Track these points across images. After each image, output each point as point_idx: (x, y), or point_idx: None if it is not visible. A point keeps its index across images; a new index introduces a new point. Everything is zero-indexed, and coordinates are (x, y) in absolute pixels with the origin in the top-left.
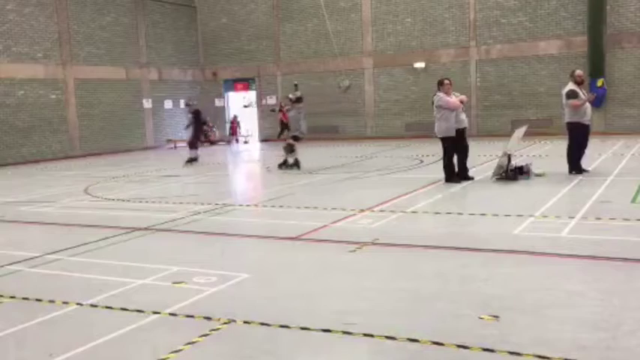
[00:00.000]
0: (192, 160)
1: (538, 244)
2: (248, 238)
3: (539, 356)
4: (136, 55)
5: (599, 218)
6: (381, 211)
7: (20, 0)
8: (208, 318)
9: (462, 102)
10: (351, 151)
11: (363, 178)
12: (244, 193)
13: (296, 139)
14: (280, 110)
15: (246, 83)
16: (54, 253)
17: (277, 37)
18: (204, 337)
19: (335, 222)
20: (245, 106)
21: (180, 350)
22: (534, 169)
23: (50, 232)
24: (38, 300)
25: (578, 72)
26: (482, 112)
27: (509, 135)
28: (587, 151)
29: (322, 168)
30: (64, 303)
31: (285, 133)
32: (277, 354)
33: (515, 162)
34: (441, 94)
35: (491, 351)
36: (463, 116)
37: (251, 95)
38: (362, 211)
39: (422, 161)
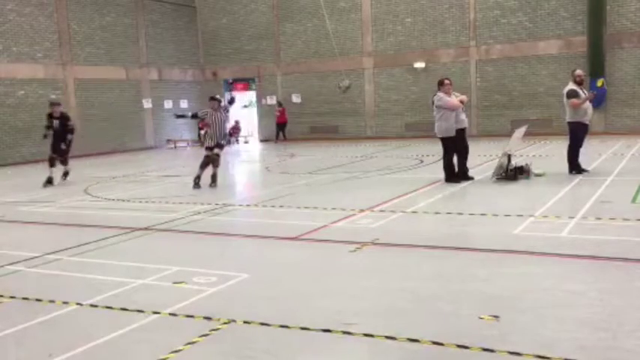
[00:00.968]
0: (50, 181)
1: (538, 244)
2: (248, 238)
3: (539, 356)
4: (136, 55)
5: (599, 218)
6: (381, 211)
7: (20, 0)
8: (208, 318)
9: (462, 102)
10: (351, 151)
11: (363, 178)
12: (244, 193)
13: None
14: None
15: (246, 83)
16: (54, 253)
17: (277, 37)
18: (204, 337)
19: (335, 222)
20: (245, 106)
21: (180, 350)
22: (534, 169)
23: (50, 232)
24: (38, 300)
25: (578, 72)
26: (482, 112)
27: (509, 135)
28: (586, 151)
29: (322, 168)
30: (64, 303)
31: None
32: (277, 354)
33: (515, 162)
34: (441, 94)
35: (491, 351)
36: (463, 116)
37: (251, 95)
38: (362, 211)
39: (422, 161)
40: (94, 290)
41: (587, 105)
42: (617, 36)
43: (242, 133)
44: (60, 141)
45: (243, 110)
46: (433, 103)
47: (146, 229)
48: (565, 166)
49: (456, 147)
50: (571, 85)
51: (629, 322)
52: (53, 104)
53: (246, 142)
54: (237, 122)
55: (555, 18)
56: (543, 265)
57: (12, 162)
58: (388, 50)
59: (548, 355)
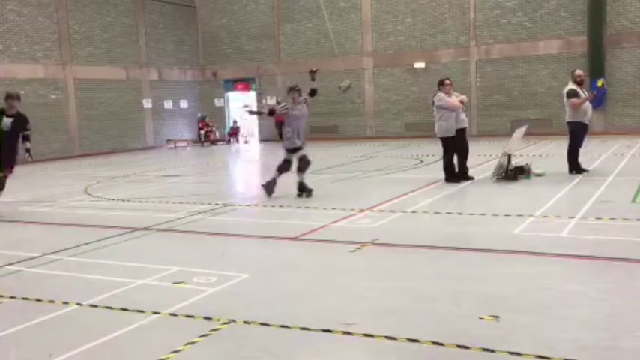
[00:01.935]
0: None
1: (538, 244)
2: (248, 238)
3: (539, 356)
4: (136, 55)
5: (599, 218)
6: (381, 211)
7: (20, 0)
8: (208, 318)
9: (462, 102)
10: (351, 151)
11: (363, 178)
12: (244, 192)
13: None
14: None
15: (246, 83)
16: (54, 253)
17: (277, 37)
18: (204, 337)
19: (335, 222)
20: (245, 106)
21: (180, 350)
22: (534, 169)
23: (50, 232)
24: (38, 300)
25: (578, 72)
26: (482, 112)
27: (509, 135)
28: (586, 151)
29: (322, 168)
30: (64, 303)
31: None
32: (277, 354)
33: (515, 162)
34: (441, 94)
35: (491, 351)
36: (463, 116)
37: (250, 96)
38: (362, 211)
39: (422, 161)
40: (94, 290)
41: (587, 105)
42: (617, 36)
43: (242, 133)
44: (11, 150)
45: (243, 111)
46: (433, 103)
47: (146, 229)
48: (565, 166)
49: (456, 147)
50: (571, 85)
51: (629, 322)
52: (10, 97)
53: (246, 142)
54: (235, 122)
55: (555, 18)
56: (543, 265)
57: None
58: (388, 50)
59: (548, 355)
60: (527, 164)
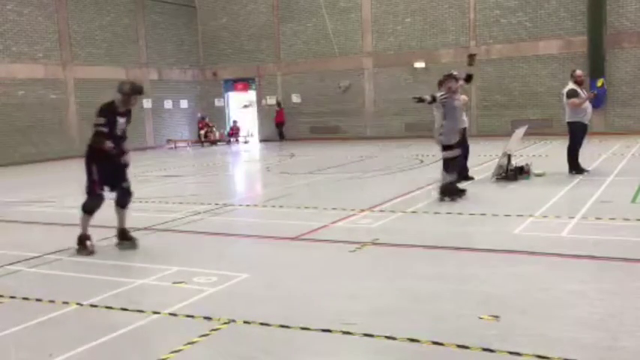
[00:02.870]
0: None
1: (538, 244)
2: (248, 238)
3: (539, 356)
4: (136, 55)
5: (599, 218)
6: (381, 211)
7: (20, 0)
8: (208, 318)
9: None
10: (351, 151)
11: (363, 178)
12: (244, 193)
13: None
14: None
15: (246, 83)
16: (54, 253)
17: (277, 37)
18: (204, 337)
19: (335, 222)
20: (245, 106)
21: (180, 350)
22: (534, 169)
23: (50, 232)
24: (38, 300)
25: (578, 72)
26: (482, 112)
27: (509, 135)
28: (586, 151)
29: (322, 168)
30: (64, 303)
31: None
32: (277, 354)
33: (515, 162)
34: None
35: (491, 351)
36: (463, 116)
37: (251, 95)
38: (362, 211)
39: (422, 161)
40: (94, 290)
41: (587, 105)
42: (617, 36)
43: (242, 133)
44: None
45: (243, 110)
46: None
47: (146, 229)
48: (565, 166)
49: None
50: (571, 85)
51: (629, 322)
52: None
53: (246, 142)
54: (235, 122)
55: (555, 18)
56: (543, 265)
57: (12, 162)
58: (388, 50)
59: (548, 355)
60: (527, 164)
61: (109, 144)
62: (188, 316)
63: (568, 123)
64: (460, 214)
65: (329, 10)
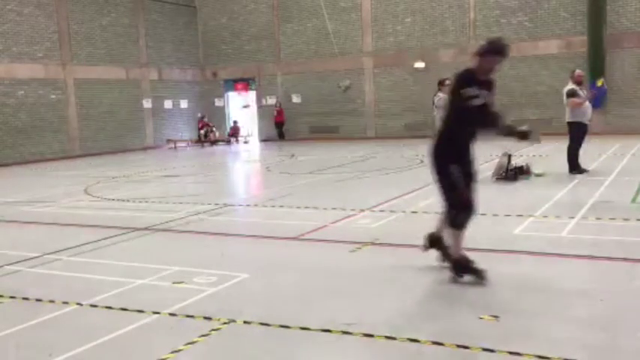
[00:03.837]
0: None
1: (538, 244)
2: (248, 238)
3: (539, 356)
4: (136, 55)
5: (599, 218)
6: (381, 211)
7: (20, 0)
8: (208, 318)
9: None
10: (351, 151)
11: (363, 178)
12: (244, 193)
13: None
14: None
15: (246, 83)
16: (54, 253)
17: (277, 37)
18: (204, 337)
19: (335, 222)
20: (244, 107)
21: (180, 350)
22: (534, 169)
23: (50, 232)
24: (38, 300)
25: (578, 72)
26: None
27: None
28: (586, 151)
29: (322, 168)
30: (64, 303)
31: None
32: (277, 354)
33: (515, 162)
34: (441, 95)
35: (491, 351)
36: None
37: (250, 95)
38: (362, 211)
39: (422, 161)
40: (94, 290)
41: (587, 105)
42: (617, 36)
43: (242, 133)
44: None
45: (243, 110)
46: (434, 103)
47: (146, 229)
48: (565, 166)
49: None
50: (571, 85)
51: (629, 322)
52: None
53: (245, 142)
54: (235, 122)
55: (555, 18)
56: (543, 264)
57: (12, 162)
58: (388, 50)
59: (548, 355)
60: (527, 164)
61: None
62: (188, 316)
63: (568, 123)
64: None
65: (329, 10)
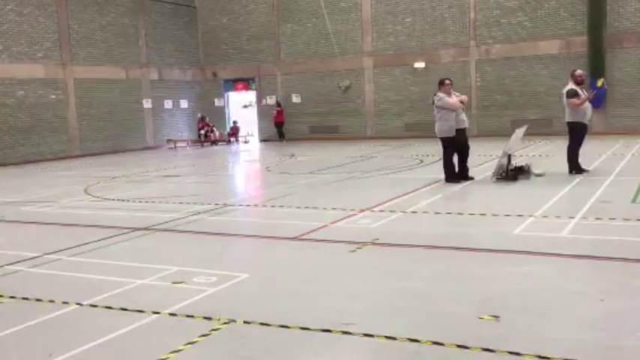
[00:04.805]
0: None
1: (538, 244)
2: (248, 238)
3: (539, 356)
4: (136, 55)
5: (599, 218)
6: (381, 211)
7: (20, 0)
8: (208, 318)
9: (462, 102)
10: (351, 151)
11: (363, 178)
12: (244, 193)
13: None
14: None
15: (246, 83)
16: (54, 253)
17: (277, 37)
18: (204, 337)
19: (335, 222)
20: (245, 106)
21: (180, 350)
22: (534, 169)
23: (50, 232)
24: (38, 300)
25: (578, 72)
26: (482, 112)
27: (509, 135)
28: (586, 151)
29: (322, 168)
30: (64, 303)
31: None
32: (277, 354)
33: (515, 162)
34: (441, 94)
35: (492, 351)
36: (463, 116)
37: (250, 95)
38: (362, 211)
39: (422, 161)
40: (94, 290)
41: (587, 105)
42: (617, 36)
43: (242, 133)
44: None
45: (243, 110)
46: (433, 103)
47: (146, 229)
48: (565, 166)
49: (456, 147)
50: (571, 85)
51: (629, 322)
52: None
53: (246, 142)
54: (235, 122)
55: (555, 18)
56: (543, 265)
57: (12, 162)
58: (388, 50)
59: (548, 355)
60: (527, 164)
61: None
62: (188, 316)
63: (568, 123)
64: (460, 214)
65: (329, 10)
